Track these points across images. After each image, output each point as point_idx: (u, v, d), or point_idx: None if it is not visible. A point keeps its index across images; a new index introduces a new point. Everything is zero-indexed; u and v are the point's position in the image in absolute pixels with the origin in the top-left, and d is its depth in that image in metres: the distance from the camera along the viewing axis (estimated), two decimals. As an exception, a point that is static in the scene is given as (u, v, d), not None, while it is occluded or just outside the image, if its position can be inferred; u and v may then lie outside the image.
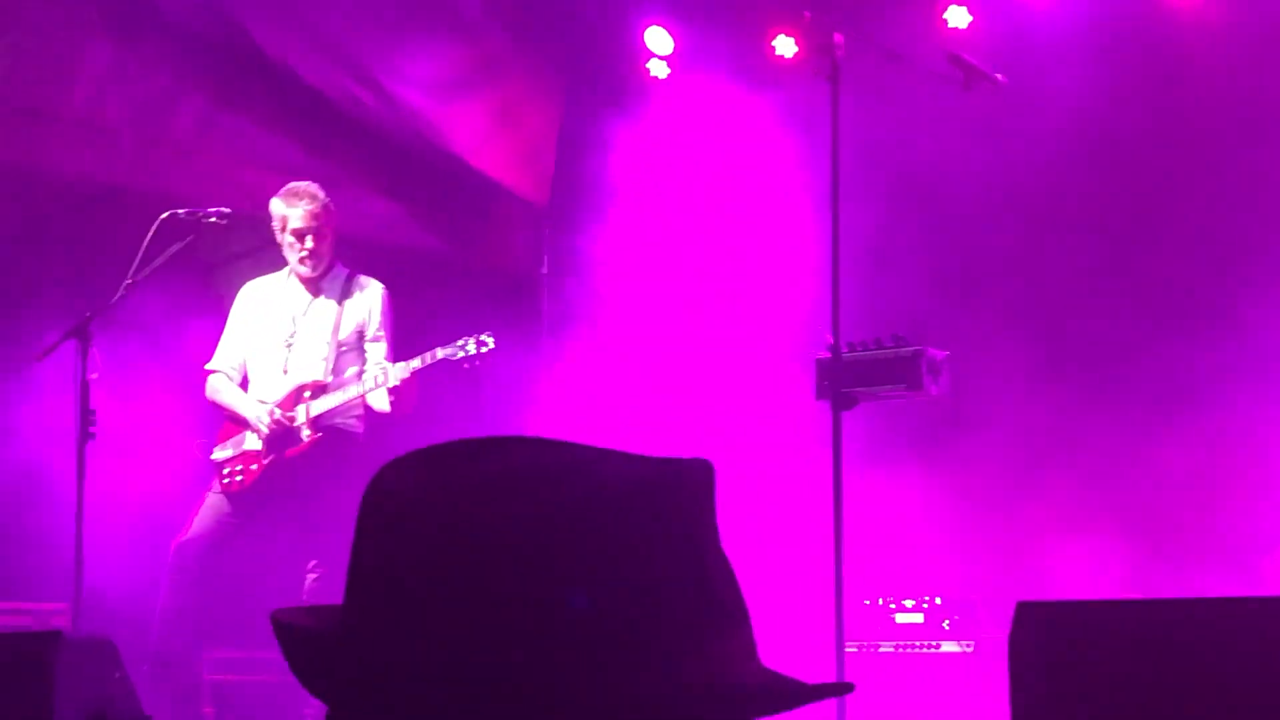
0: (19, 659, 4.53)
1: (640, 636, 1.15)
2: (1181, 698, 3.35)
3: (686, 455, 1.29)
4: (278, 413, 7.21)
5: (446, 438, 1.29)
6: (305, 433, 7.21)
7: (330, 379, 7.27)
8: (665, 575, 1.18)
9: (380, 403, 7.16)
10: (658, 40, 9.08)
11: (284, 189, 7.35)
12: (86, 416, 6.80)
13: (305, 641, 1.24)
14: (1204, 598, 3.74)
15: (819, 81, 6.32)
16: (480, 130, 9.38)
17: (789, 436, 8.45)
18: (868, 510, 7.57)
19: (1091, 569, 7.36)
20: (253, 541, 7.23)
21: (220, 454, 7.36)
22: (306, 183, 7.38)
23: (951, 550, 8.02)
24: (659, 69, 9.18)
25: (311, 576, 7.10)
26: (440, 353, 7.04)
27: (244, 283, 7.59)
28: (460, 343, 7.04)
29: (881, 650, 7.38)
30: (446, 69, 9.14)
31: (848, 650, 6.20)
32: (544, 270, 9.99)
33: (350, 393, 7.18)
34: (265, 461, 7.23)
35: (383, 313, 7.41)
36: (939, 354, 6.47)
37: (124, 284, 6.96)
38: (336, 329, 7.33)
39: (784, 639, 6.85)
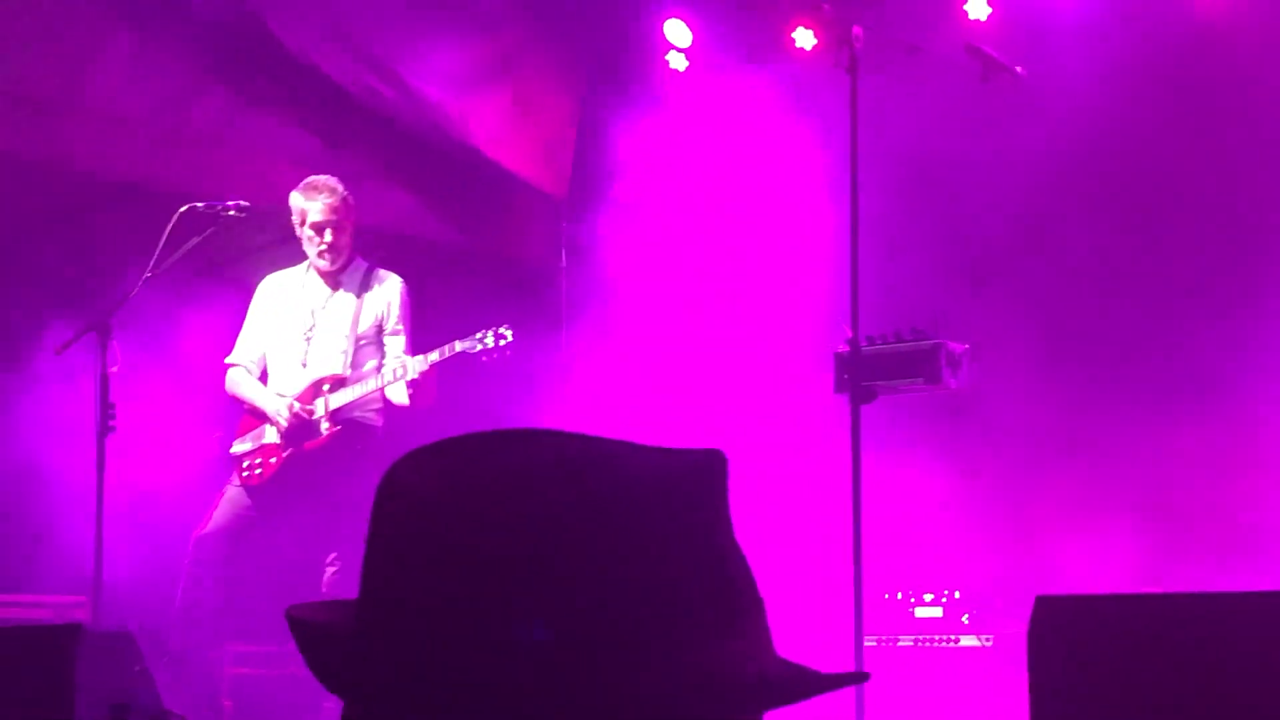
0: (40, 652, 4.54)
1: (657, 629, 1.15)
2: (1201, 692, 3.34)
3: (704, 449, 1.28)
4: (297, 406, 7.22)
5: (464, 431, 1.29)
6: (324, 426, 7.22)
7: (349, 372, 7.28)
8: (681, 567, 1.18)
9: (399, 396, 7.17)
10: (676, 33, 9.07)
11: (303, 182, 7.36)
12: (106, 410, 6.81)
13: (320, 637, 1.24)
14: (1223, 592, 3.73)
15: (837, 73, 6.31)
16: (499, 123, 9.38)
17: (807, 430, 8.44)
18: (887, 504, 7.57)
19: (1110, 563, 7.34)
20: (271, 534, 7.24)
21: (239, 447, 7.38)
22: (325, 176, 7.39)
23: (971, 544, 8.01)
24: (677, 61, 9.18)
25: (330, 569, 7.11)
26: (459, 345, 7.04)
27: (263, 276, 7.60)
28: (479, 336, 7.04)
29: (900, 644, 7.37)
30: (465, 62, 9.14)
31: (867, 644, 6.19)
32: (562, 263, 9.99)
33: (369, 386, 7.19)
34: (284, 454, 7.24)
35: (401, 306, 7.41)
36: (958, 347, 6.46)
37: (143, 277, 6.97)
38: (355, 322, 7.33)
39: (803, 633, 6.85)
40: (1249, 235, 7.68)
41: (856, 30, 6.24)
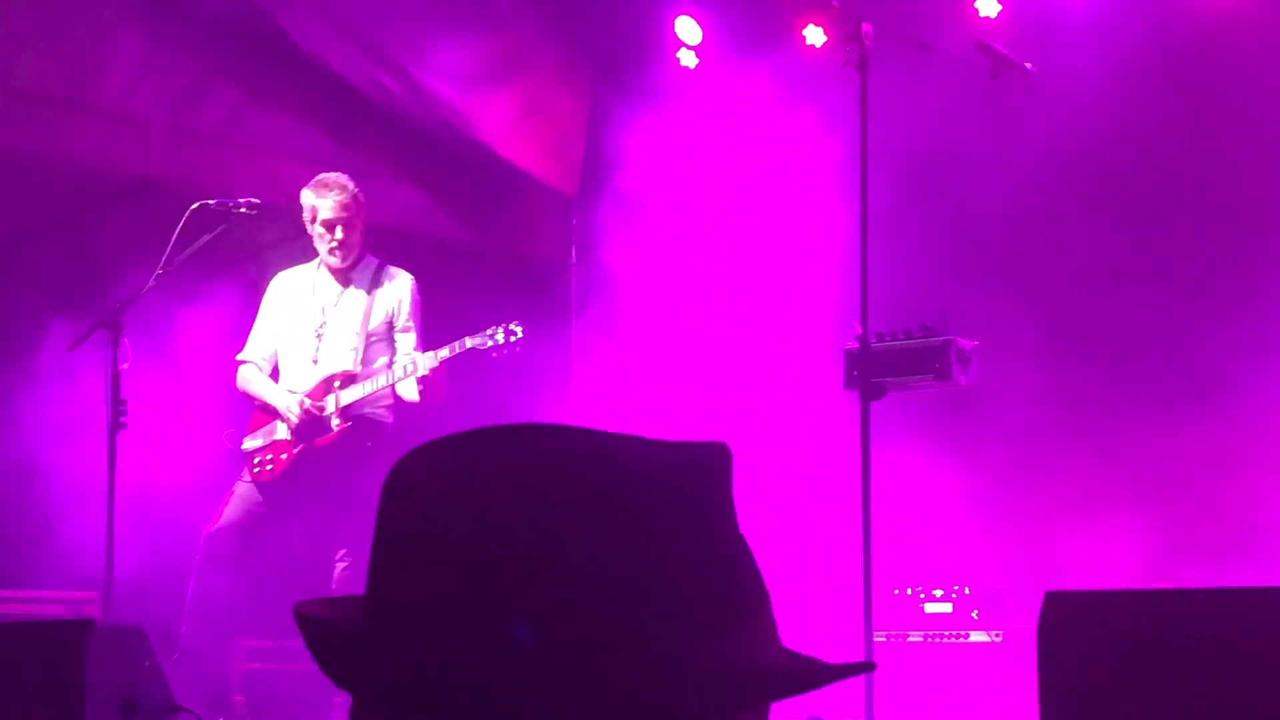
0: (51, 647, 4.56)
1: (663, 624, 1.16)
2: (1210, 687, 3.34)
3: (707, 441, 1.29)
4: (307, 402, 7.23)
5: (474, 426, 1.29)
6: (335, 422, 7.23)
7: (360, 369, 7.29)
8: (686, 560, 1.18)
9: (409, 392, 7.18)
10: (687, 30, 9.08)
11: (314, 180, 7.36)
12: (117, 406, 6.83)
13: (327, 634, 1.25)
14: (1232, 587, 3.73)
15: (848, 71, 6.31)
16: (509, 120, 9.38)
17: (817, 427, 8.44)
18: (897, 500, 7.57)
19: (1120, 559, 7.34)
20: (282, 530, 7.25)
21: (250, 443, 7.39)
22: (336, 174, 7.40)
23: (980, 540, 8.01)
24: (688, 59, 9.18)
25: (341, 565, 7.12)
26: (469, 342, 7.05)
27: (274, 273, 7.61)
28: (489, 332, 7.04)
29: (910, 640, 7.38)
30: (476, 59, 9.15)
31: (876, 640, 6.20)
32: (572, 259, 10.00)
33: (379, 382, 7.20)
34: (295, 451, 7.25)
35: (412, 303, 7.42)
36: (968, 344, 6.46)
37: (155, 274, 6.98)
38: (366, 319, 7.34)
39: (813, 628, 6.86)
40: (1255, 233, 7.68)
41: (866, 27, 6.24)
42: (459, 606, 1.15)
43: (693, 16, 9.05)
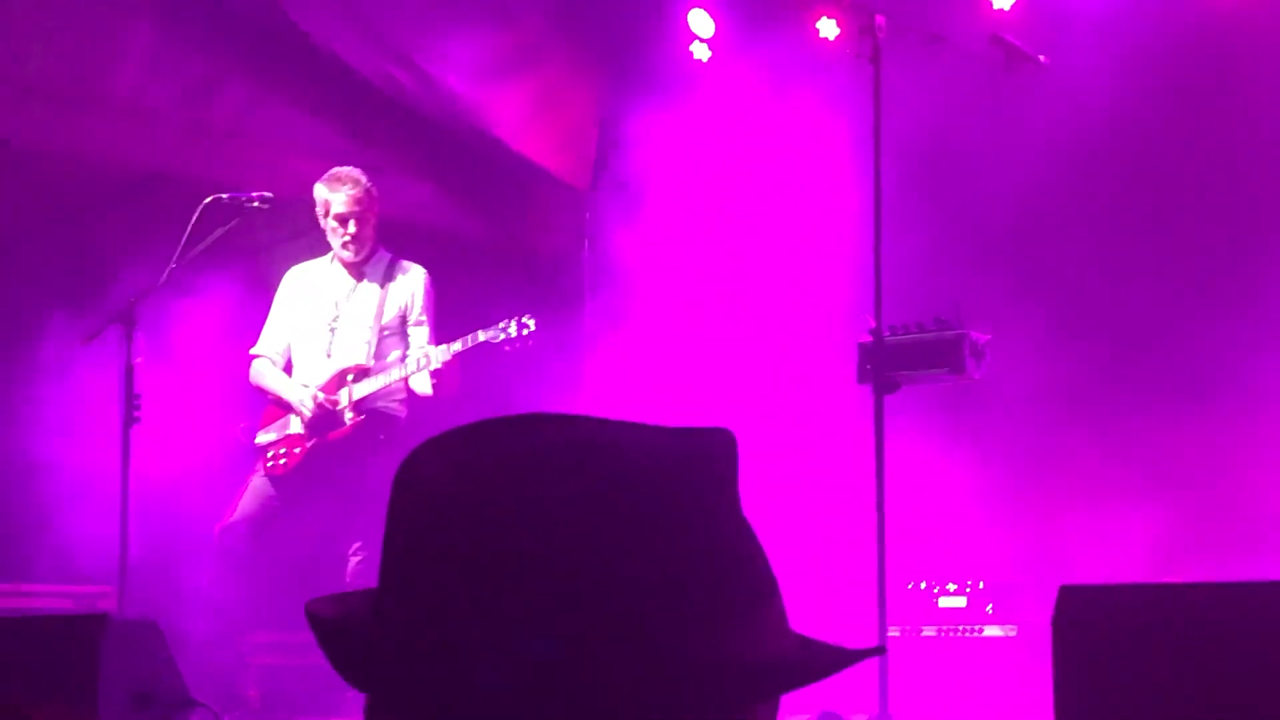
0: (65, 641, 4.56)
1: (671, 617, 1.15)
2: (1225, 682, 3.33)
3: (711, 427, 1.28)
4: (321, 396, 7.24)
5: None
6: (348, 416, 7.24)
7: (373, 363, 7.30)
8: (692, 552, 1.18)
9: (422, 386, 7.18)
10: (700, 23, 9.06)
11: (327, 174, 7.37)
12: (131, 401, 6.84)
13: (338, 633, 1.24)
14: (1248, 581, 3.72)
15: (861, 63, 6.30)
16: (522, 114, 9.38)
17: (830, 421, 8.43)
18: (911, 494, 7.56)
19: (1135, 553, 7.33)
20: (296, 524, 7.26)
21: (264, 437, 7.40)
22: (349, 168, 7.40)
23: (995, 534, 7.99)
24: (701, 52, 9.16)
25: (355, 559, 7.13)
26: (481, 335, 7.05)
27: (287, 267, 7.61)
28: (501, 325, 7.04)
29: (924, 634, 7.36)
30: (488, 53, 9.14)
31: (890, 635, 6.19)
32: (584, 253, 9.99)
33: (392, 376, 7.20)
34: (308, 445, 7.26)
35: (425, 297, 7.43)
36: (982, 337, 6.45)
37: (168, 269, 6.99)
38: (379, 313, 7.35)
39: (827, 623, 6.84)
40: (1268, 224, 7.66)
41: (879, 20, 6.23)
42: (462, 604, 1.15)
43: (705, 9, 9.03)
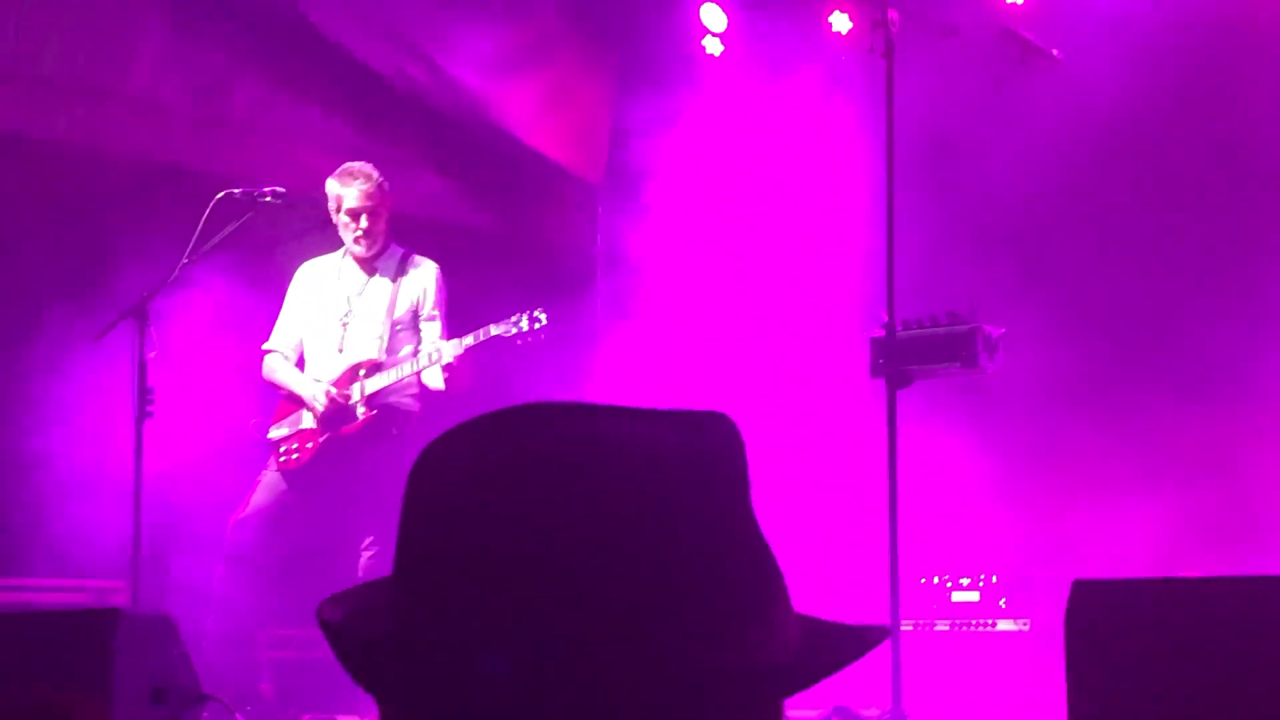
0: (78, 636, 4.57)
1: (679, 617, 1.15)
2: (1238, 676, 3.33)
3: (708, 413, 1.27)
4: (333, 391, 7.25)
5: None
6: (360, 410, 7.24)
7: (385, 357, 7.30)
8: (703, 551, 1.17)
9: (435, 380, 7.18)
10: (712, 17, 9.06)
11: (339, 169, 7.37)
12: (144, 395, 6.85)
13: (347, 638, 1.24)
14: (1262, 575, 3.71)
15: (873, 58, 6.29)
16: (534, 108, 9.38)
17: (843, 415, 8.43)
18: (924, 488, 7.55)
19: (1149, 547, 7.32)
20: (309, 519, 7.27)
21: (277, 432, 7.40)
22: (361, 163, 7.40)
23: (1008, 528, 7.99)
24: (713, 46, 9.16)
25: (367, 554, 7.13)
26: (494, 329, 7.05)
27: (300, 262, 7.62)
28: (514, 319, 7.04)
29: (937, 628, 7.36)
30: (501, 47, 9.14)
31: (903, 628, 6.19)
32: (597, 247, 9.99)
33: (405, 370, 7.20)
34: (321, 439, 7.27)
35: (437, 291, 7.43)
36: (995, 330, 6.44)
37: (181, 263, 7.00)
38: (391, 308, 7.35)
39: (840, 618, 6.83)
40: (1277, 219, 7.64)
41: (892, 14, 6.22)
42: (470, 605, 1.15)
43: (718, 3, 9.03)
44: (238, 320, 7.89)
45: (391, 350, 7.33)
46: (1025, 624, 7.14)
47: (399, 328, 7.37)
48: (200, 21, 8.27)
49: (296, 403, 7.37)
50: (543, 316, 7.02)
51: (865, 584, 7.26)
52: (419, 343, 7.36)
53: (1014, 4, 8.02)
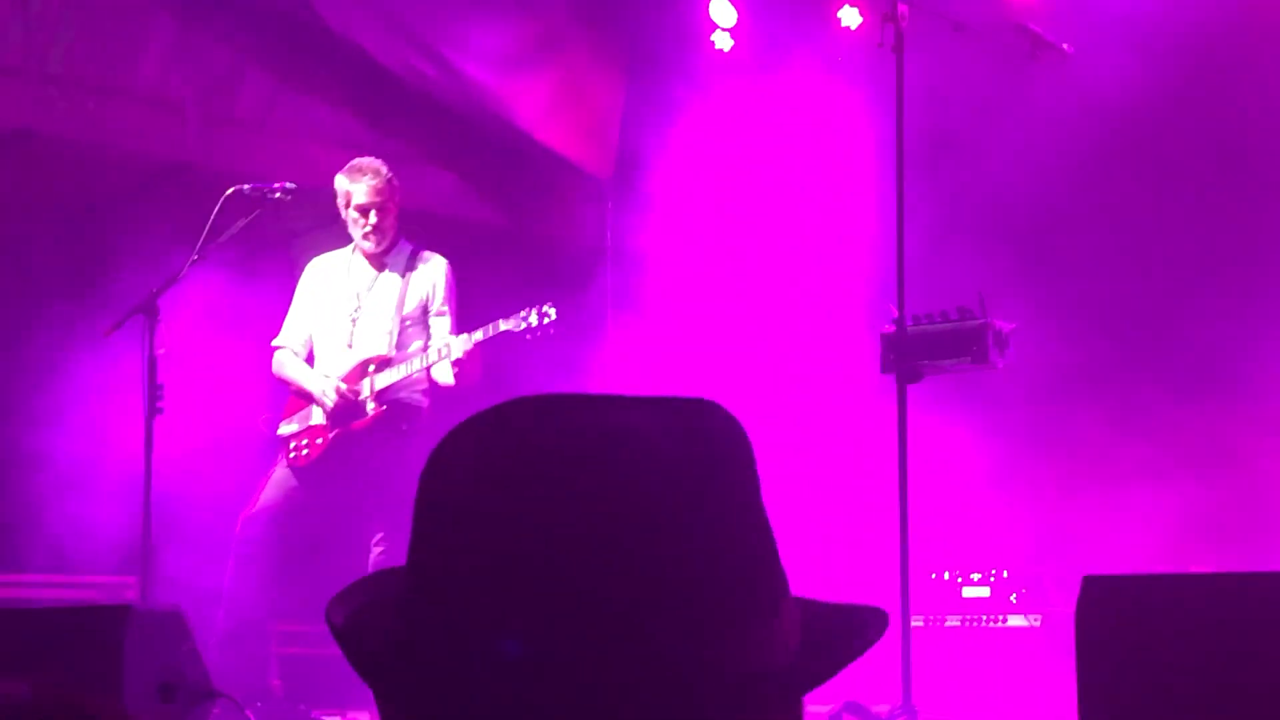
0: (89, 632, 4.58)
1: (683, 618, 1.14)
2: (1249, 671, 3.32)
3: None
4: (343, 387, 7.24)
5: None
6: (370, 406, 7.24)
7: (394, 353, 7.30)
8: (709, 551, 1.17)
9: (444, 376, 7.18)
10: (721, 12, 9.05)
11: (348, 165, 7.37)
12: (154, 391, 6.85)
13: (354, 641, 1.24)
14: (1272, 571, 3.70)
15: (883, 52, 6.28)
16: (544, 104, 9.38)
17: (853, 410, 8.42)
18: (934, 484, 7.55)
19: (1160, 542, 7.31)
20: (319, 515, 7.26)
21: (286, 428, 7.40)
22: (370, 158, 7.40)
23: (1019, 524, 7.98)
24: (723, 41, 9.15)
25: (377, 550, 7.13)
26: (503, 324, 7.04)
27: (309, 258, 7.62)
28: (523, 314, 7.03)
29: (948, 624, 7.35)
30: (510, 43, 9.14)
31: (914, 624, 6.18)
32: (606, 243, 9.99)
33: (414, 366, 7.20)
34: (330, 435, 7.27)
35: (446, 287, 7.42)
36: (1006, 326, 6.43)
37: (190, 259, 7.00)
38: (401, 304, 7.34)
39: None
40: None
41: (902, 8, 6.22)
42: (476, 603, 1.15)
43: (727, -2, 9.03)
44: (247, 316, 7.89)
45: (401, 346, 7.32)
46: (1036, 619, 7.13)
47: (408, 323, 7.36)
48: (209, 17, 8.27)
49: (306, 399, 7.37)
50: (552, 311, 7.01)
51: (876, 579, 7.26)
52: (428, 338, 7.35)
53: (1024, -2, 8.02)
